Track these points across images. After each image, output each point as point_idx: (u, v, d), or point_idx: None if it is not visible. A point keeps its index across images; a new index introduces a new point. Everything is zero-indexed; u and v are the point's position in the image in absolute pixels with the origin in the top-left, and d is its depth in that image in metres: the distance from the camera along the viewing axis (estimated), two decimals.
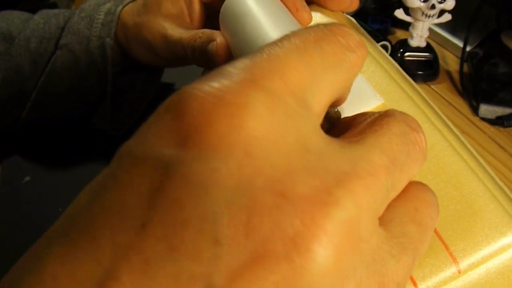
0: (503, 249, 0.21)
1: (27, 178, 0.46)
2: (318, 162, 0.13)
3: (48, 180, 0.45)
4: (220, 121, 0.12)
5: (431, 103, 0.28)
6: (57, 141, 0.49)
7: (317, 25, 0.16)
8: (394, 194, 0.15)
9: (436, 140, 0.24)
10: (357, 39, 0.16)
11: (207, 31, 0.34)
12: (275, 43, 0.15)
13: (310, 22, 0.32)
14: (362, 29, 0.36)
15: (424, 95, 0.28)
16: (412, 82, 0.29)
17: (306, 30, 0.15)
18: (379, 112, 0.16)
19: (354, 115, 0.18)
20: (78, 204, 0.13)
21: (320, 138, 0.14)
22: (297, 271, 0.11)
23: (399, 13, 0.57)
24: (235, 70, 0.14)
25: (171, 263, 0.11)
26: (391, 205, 0.15)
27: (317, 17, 0.33)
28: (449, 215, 0.21)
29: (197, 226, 0.11)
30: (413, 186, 0.16)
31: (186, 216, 0.11)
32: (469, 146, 0.25)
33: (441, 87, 0.57)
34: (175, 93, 0.14)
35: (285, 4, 0.31)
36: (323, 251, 0.11)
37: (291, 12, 0.31)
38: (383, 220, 0.14)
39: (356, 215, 0.12)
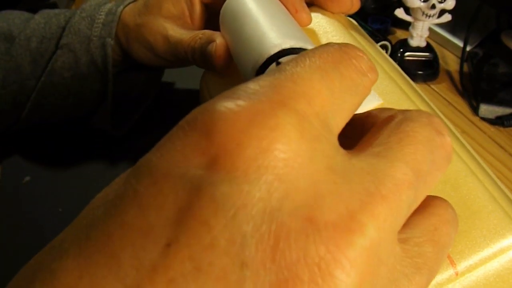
0: (501, 251, 0.20)
1: (27, 178, 0.46)
2: (344, 184, 0.13)
3: (48, 180, 0.45)
4: (250, 143, 0.12)
5: (430, 103, 0.27)
6: (57, 141, 0.49)
7: (331, 45, 0.16)
8: (414, 207, 0.15)
9: None
10: (369, 63, 0.16)
11: (207, 32, 0.34)
12: (296, 61, 0.15)
13: (309, 23, 0.32)
14: (362, 30, 0.36)
15: (423, 95, 0.28)
16: (411, 82, 0.29)
17: (322, 49, 0.15)
18: (400, 111, 0.16)
19: (366, 113, 0.17)
20: (92, 215, 0.13)
21: (342, 157, 0.14)
22: None
23: (399, 13, 0.57)
24: (261, 88, 0.14)
25: (196, 285, 0.11)
26: (409, 221, 0.15)
27: (318, 19, 0.33)
28: None
29: (225, 248, 0.11)
30: (433, 202, 0.16)
31: (214, 238, 0.11)
32: (468, 146, 0.25)
33: (441, 87, 0.57)
34: (199, 108, 0.13)
35: (284, 5, 0.31)
36: (346, 277, 0.12)
37: (291, 13, 0.31)
38: (400, 238, 0.14)
39: (377, 239, 0.12)
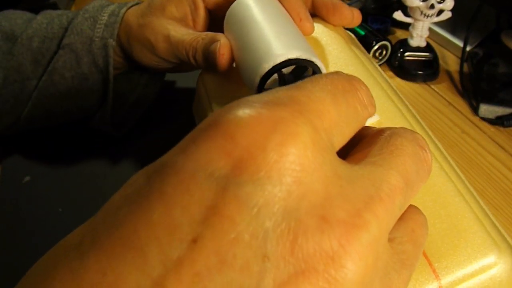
0: (483, 270, 0.22)
1: (27, 178, 0.46)
2: (349, 187, 0.14)
3: (48, 180, 0.45)
4: (273, 148, 0.13)
5: (424, 125, 0.29)
6: (57, 141, 0.49)
7: (341, 74, 0.17)
8: (402, 211, 0.17)
9: None
10: (371, 99, 0.18)
11: (210, 33, 0.35)
12: (311, 82, 0.16)
13: (312, 33, 0.33)
14: (360, 44, 0.36)
15: (417, 115, 0.29)
16: (401, 95, 0.31)
17: (333, 76, 0.17)
18: (389, 128, 0.18)
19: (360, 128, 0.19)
20: (113, 216, 0.13)
21: (345, 166, 0.15)
22: (332, 284, 0.13)
23: (398, 15, 0.57)
24: (278, 99, 0.15)
25: (221, 276, 0.12)
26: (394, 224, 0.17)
27: (319, 30, 0.34)
28: (435, 233, 0.23)
29: (248, 242, 0.12)
30: (409, 208, 0.18)
31: (239, 233, 0.12)
32: (457, 169, 0.26)
33: (441, 87, 0.57)
34: (219, 113, 0.14)
35: (289, 13, 0.31)
36: (355, 267, 0.13)
37: (294, 21, 0.31)
38: (388, 238, 0.16)
39: (378, 235, 0.14)
